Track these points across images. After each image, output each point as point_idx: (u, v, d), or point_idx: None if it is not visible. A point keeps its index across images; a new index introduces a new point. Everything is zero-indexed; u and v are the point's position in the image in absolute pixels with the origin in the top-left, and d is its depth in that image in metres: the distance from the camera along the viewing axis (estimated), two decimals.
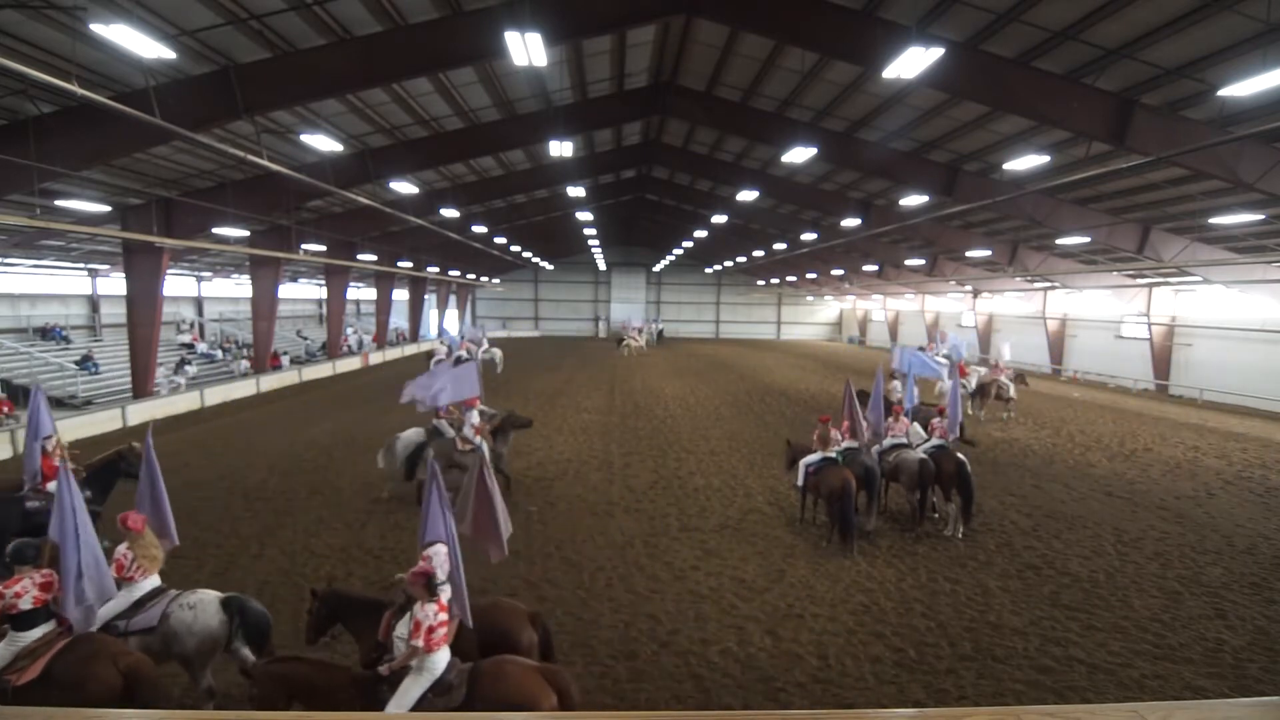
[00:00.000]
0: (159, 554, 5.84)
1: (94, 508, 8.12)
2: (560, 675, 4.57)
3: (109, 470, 9.11)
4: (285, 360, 36.26)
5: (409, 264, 38.61)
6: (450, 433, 11.70)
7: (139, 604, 5.53)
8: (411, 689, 4.33)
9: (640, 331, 41.89)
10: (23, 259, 28.29)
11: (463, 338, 32.07)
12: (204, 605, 5.50)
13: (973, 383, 20.75)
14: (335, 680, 4.47)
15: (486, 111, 19.09)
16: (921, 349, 21.30)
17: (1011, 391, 20.69)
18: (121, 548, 5.73)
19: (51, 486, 8.01)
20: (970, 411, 19.83)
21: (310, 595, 5.38)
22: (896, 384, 15.75)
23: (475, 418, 11.76)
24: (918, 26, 11.06)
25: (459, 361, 26.28)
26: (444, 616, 4.45)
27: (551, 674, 4.54)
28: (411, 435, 11.89)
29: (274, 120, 16.41)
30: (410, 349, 44.29)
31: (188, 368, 31.98)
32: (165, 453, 15.23)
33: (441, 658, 4.45)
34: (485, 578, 8.40)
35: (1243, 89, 9.54)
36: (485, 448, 11.23)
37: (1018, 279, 33.11)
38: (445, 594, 5.53)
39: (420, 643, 4.32)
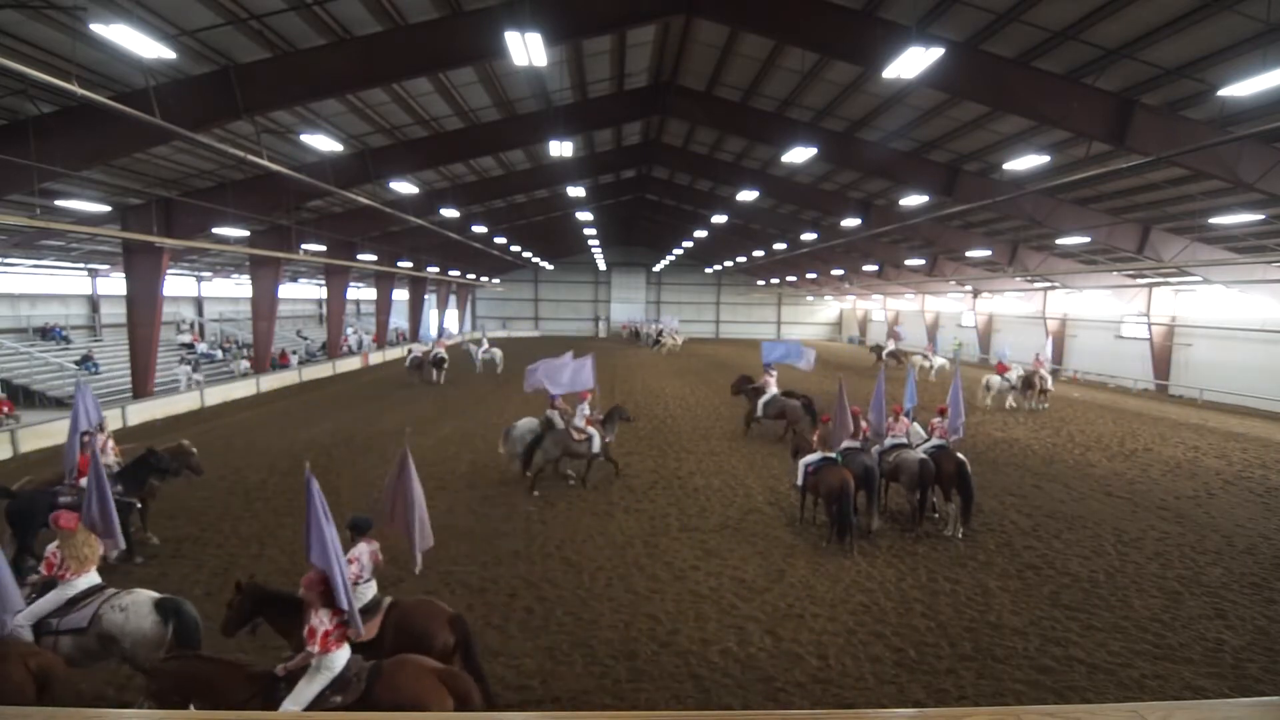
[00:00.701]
0: (91, 554, 5.78)
1: (126, 499, 8.72)
2: (459, 679, 4.58)
3: (139, 466, 9.42)
4: (294, 359, 36.45)
5: (409, 264, 38.61)
6: (561, 423, 12.69)
7: (72, 603, 5.46)
8: (308, 688, 4.36)
9: (676, 332, 45.56)
10: (23, 259, 28.29)
11: (439, 336, 33.36)
12: (136, 607, 5.43)
13: (1014, 377, 23.19)
14: (232, 678, 4.48)
15: (486, 111, 19.09)
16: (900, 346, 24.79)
17: (1049, 384, 23.23)
18: (51, 546, 5.73)
19: (85, 482, 8.14)
20: (1015, 404, 22.96)
21: (235, 587, 5.33)
22: (768, 378, 17.85)
23: (587, 409, 12.73)
24: (918, 26, 11.06)
25: (418, 361, 27.93)
26: (337, 620, 4.45)
27: (450, 677, 4.54)
28: (525, 425, 12.96)
29: (274, 120, 16.41)
30: (414, 355, 44.24)
31: (185, 367, 32.00)
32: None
33: (340, 657, 4.46)
34: (485, 577, 8.40)
35: (1243, 89, 9.54)
36: (596, 437, 12.49)
37: (1018, 279, 33.11)
38: (370, 590, 5.56)
39: (315, 648, 4.36)
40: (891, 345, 36.57)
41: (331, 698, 4.33)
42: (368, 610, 5.36)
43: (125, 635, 5.31)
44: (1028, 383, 22.81)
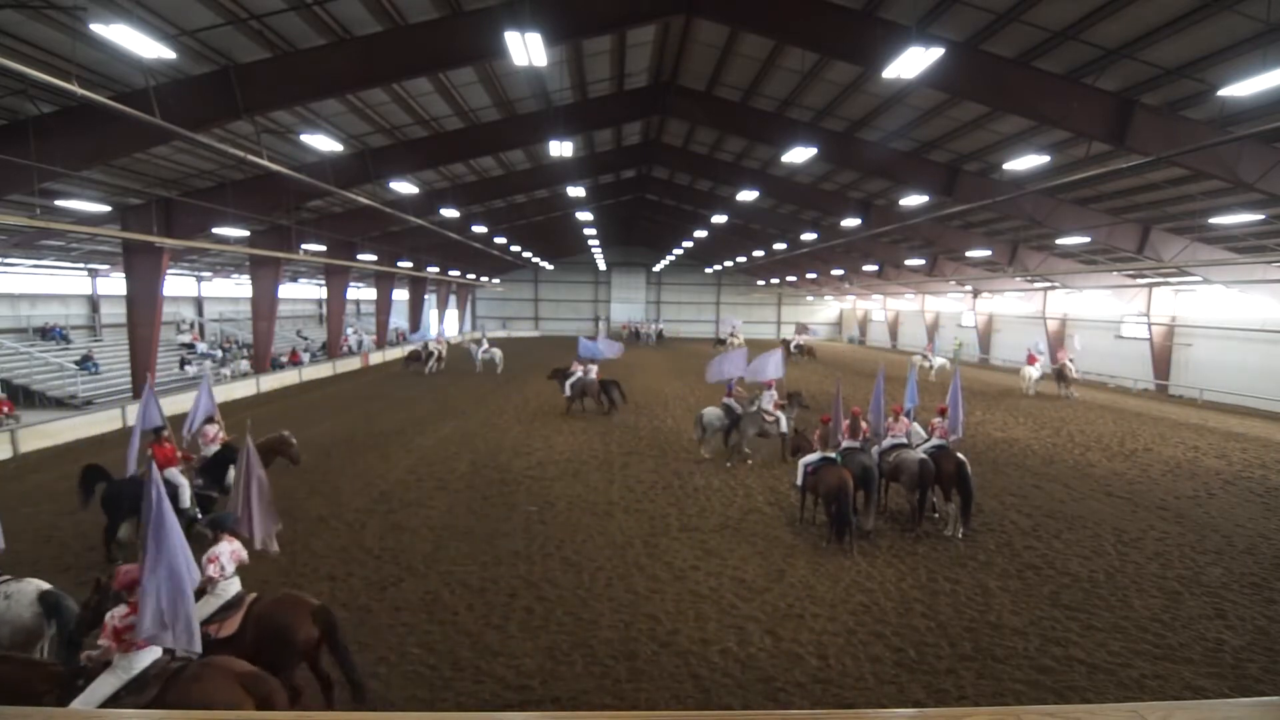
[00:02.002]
0: None
1: (207, 493, 9.65)
2: (263, 682, 4.46)
3: (219, 460, 10.03)
4: (306, 357, 36.65)
5: (409, 264, 38.61)
6: (739, 409, 14.73)
7: None
8: (102, 686, 4.33)
9: (737, 330, 47.51)
10: (23, 259, 28.29)
11: (434, 337, 35.36)
12: (19, 596, 5.43)
13: (1037, 373, 26.25)
14: (33, 676, 4.48)
15: (486, 111, 19.10)
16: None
17: (1074, 373, 26.04)
18: None
19: (170, 473, 9.02)
20: (1062, 392, 25.94)
21: (94, 585, 5.30)
22: (577, 369, 20.70)
23: (774, 394, 14.93)
24: (918, 26, 11.06)
25: (414, 357, 30.27)
26: (132, 620, 4.35)
27: (253, 680, 4.45)
28: (712, 412, 14.93)
29: (274, 120, 16.41)
30: (411, 349, 44.31)
31: (188, 368, 32.01)
32: None
33: (143, 658, 4.43)
34: (485, 577, 8.40)
35: (1243, 89, 9.54)
36: (783, 418, 14.57)
37: (1018, 279, 33.10)
38: (234, 588, 5.53)
39: (107, 642, 4.34)
40: (800, 340, 40.55)
41: (125, 698, 4.28)
42: (230, 606, 5.37)
43: (5, 622, 5.32)
44: (1060, 374, 25.84)
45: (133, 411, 19.01)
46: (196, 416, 10.62)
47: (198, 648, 4.47)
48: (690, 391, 25.43)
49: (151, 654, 4.47)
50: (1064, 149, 16.51)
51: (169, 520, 4.40)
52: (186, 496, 9.27)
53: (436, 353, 31.90)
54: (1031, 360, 26.79)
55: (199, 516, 9.16)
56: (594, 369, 20.92)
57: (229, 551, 5.62)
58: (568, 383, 20.49)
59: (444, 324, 54.59)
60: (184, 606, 4.35)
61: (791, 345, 38.66)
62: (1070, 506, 11.83)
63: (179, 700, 4.23)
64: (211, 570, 5.36)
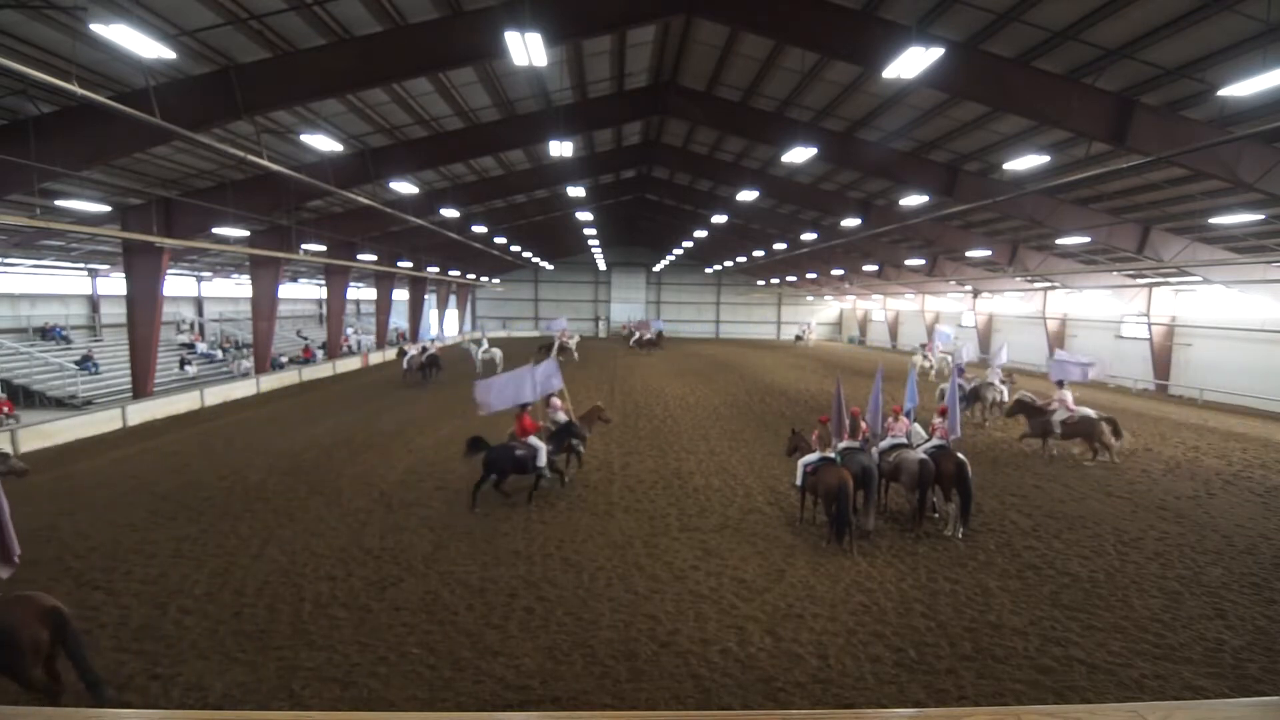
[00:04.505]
0: None
1: (554, 456, 11.97)
2: None
3: (562, 432, 12.48)
4: (319, 355, 36.91)
5: (409, 264, 38.62)
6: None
7: None
8: None
9: (810, 330, 52.86)
10: (23, 259, 28.30)
11: (428, 339, 36.94)
12: None
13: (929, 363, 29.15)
14: None
15: (486, 111, 19.10)
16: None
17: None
18: None
19: (531, 440, 11.47)
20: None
21: None
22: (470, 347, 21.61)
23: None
24: (918, 26, 11.08)
25: (403, 355, 30.79)
26: None
27: None
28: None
29: (274, 120, 16.42)
30: (410, 349, 44.26)
31: (188, 368, 32.02)
32: (165, 452, 15.29)
33: None
34: (485, 577, 8.40)
35: (1243, 89, 9.54)
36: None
37: (1018, 279, 33.11)
38: None
39: None
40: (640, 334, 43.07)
41: None
42: None
43: None
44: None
45: (133, 411, 19.09)
46: (524, 393, 12.09)
47: None
48: (690, 391, 25.44)
49: None
50: (1064, 149, 16.52)
51: None
52: (542, 457, 11.36)
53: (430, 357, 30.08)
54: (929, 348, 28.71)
55: (548, 475, 11.63)
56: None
57: None
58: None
59: (431, 327, 54.53)
60: None
61: (631, 341, 41.21)
62: (1070, 506, 11.82)
63: None
64: None
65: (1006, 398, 19.23)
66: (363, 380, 30.00)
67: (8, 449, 9.92)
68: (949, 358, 31.99)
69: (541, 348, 35.60)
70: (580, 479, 12.98)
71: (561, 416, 12.88)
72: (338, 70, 13.11)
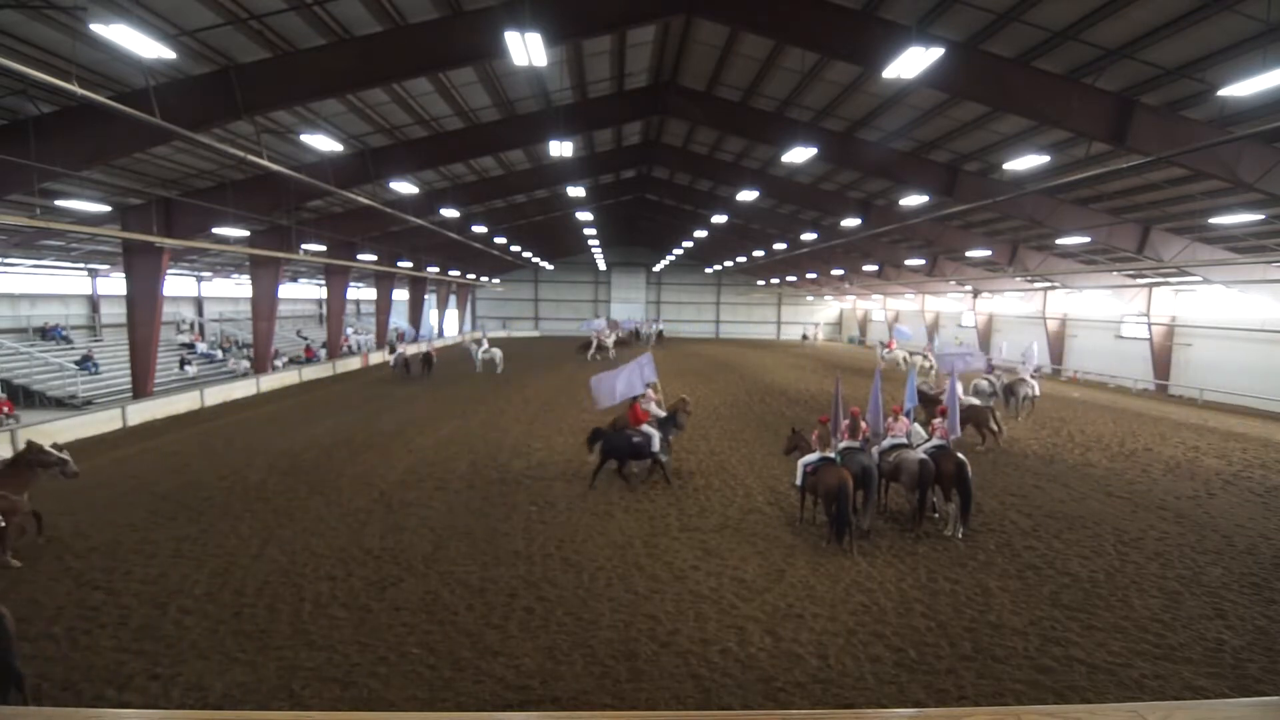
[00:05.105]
0: None
1: (667, 438, 13.03)
2: None
3: (665, 422, 13.31)
4: (321, 353, 37.02)
5: (409, 264, 38.61)
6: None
7: None
8: None
9: (818, 331, 55.68)
10: (23, 259, 28.29)
11: (424, 339, 38.48)
12: None
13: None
14: None
15: (486, 111, 19.10)
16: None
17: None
18: None
19: (644, 427, 12.65)
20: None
21: None
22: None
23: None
24: (918, 26, 11.07)
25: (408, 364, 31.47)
26: None
27: None
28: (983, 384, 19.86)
29: (274, 120, 16.42)
30: (410, 349, 44.31)
31: (188, 368, 32.00)
32: (165, 452, 15.29)
33: None
34: (485, 577, 8.40)
35: (1243, 89, 9.54)
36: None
37: (1018, 279, 33.11)
38: None
39: None
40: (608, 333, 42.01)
41: None
42: None
43: None
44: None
45: (133, 411, 19.09)
46: (636, 390, 13.20)
47: None
48: (690, 391, 25.40)
49: None
50: (1064, 149, 16.51)
51: None
52: (656, 442, 12.49)
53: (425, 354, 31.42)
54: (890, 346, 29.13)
55: (665, 458, 12.74)
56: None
57: None
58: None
59: (428, 328, 54.66)
60: None
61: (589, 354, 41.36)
62: (1070, 506, 11.83)
63: None
64: None
65: (1038, 393, 21.09)
66: (363, 380, 30.01)
67: (8, 449, 9.94)
68: (905, 354, 33.36)
69: (581, 348, 37.96)
70: (580, 478, 12.99)
71: (654, 407, 13.76)
72: (338, 70, 13.11)
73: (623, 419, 13.39)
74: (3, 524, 8.46)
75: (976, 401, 17.54)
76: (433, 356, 30.10)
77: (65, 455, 9.80)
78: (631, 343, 46.24)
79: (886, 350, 37.14)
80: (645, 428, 12.65)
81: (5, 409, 21.97)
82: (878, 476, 10.39)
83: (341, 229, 28.40)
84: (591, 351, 36.90)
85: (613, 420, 13.98)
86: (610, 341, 38.04)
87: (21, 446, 10.67)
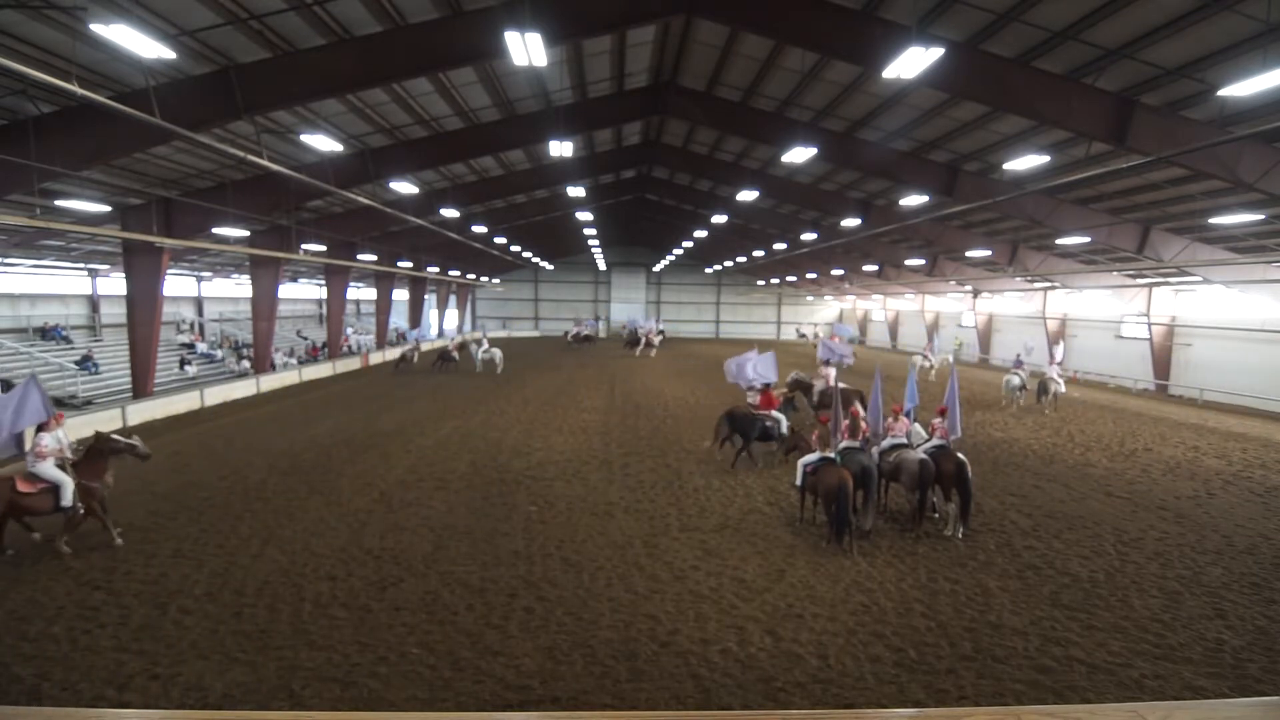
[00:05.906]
0: None
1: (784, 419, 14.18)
2: None
3: (786, 405, 15.22)
4: (324, 352, 37.19)
5: (409, 264, 38.60)
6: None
7: None
8: None
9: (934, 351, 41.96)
10: (23, 259, 28.29)
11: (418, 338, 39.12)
12: None
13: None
14: None
15: (486, 111, 19.10)
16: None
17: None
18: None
19: (774, 413, 14.10)
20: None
21: None
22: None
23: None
24: (918, 26, 11.05)
25: (403, 357, 32.85)
26: None
27: None
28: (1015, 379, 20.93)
29: (274, 120, 16.42)
30: (425, 346, 44.35)
31: (188, 368, 32.00)
32: (165, 453, 15.27)
33: None
34: (485, 577, 8.40)
35: (1243, 89, 9.54)
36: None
37: (1018, 279, 33.11)
38: None
39: None
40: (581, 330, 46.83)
41: None
42: None
43: None
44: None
45: (133, 411, 19.10)
46: (756, 384, 14.89)
47: None
48: (690, 391, 25.43)
49: None
50: (1064, 149, 16.52)
51: None
52: (785, 427, 13.82)
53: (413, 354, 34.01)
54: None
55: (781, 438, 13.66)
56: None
57: None
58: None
59: (428, 326, 54.82)
60: None
61: (569, 335, 45.30)
62: (1070, 506, 11.82)
63: None
64: None
65: (1064, 389, 22.62)
66: (363, 380, 30.01)
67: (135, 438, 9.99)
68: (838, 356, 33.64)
69: (628, 344, 41.66)
70: (580, 479, 13.00)
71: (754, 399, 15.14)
72: (338, 70, 13.11)
73: (742, 406, 14.84)
74: (82, 510, 8.99)
75: (845, 386, 17.38)
76: (452, 353, 32.35)
77: (135, 440, 9.93)
78: (597, 340, 47.99)
79: (925, 354, 32.45)
80: (775, 413, 14.10)
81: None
82: (878, 476, 10.39)
83: (341, 229, 28.41)
84: (640, 348, 40.62)
85: (730, 408, 14.77)
86: (658, 340, 41.38)
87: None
